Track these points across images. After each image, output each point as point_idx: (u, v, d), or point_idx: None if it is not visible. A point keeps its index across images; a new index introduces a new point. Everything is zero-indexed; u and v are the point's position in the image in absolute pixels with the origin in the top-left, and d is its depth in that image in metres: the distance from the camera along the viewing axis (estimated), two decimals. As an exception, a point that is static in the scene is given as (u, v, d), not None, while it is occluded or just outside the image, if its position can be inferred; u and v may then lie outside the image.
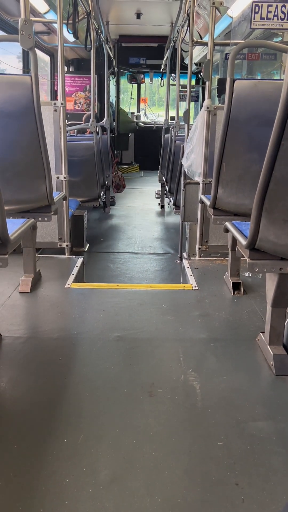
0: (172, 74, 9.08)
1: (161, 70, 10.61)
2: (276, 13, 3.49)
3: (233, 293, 3.04)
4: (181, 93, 7.79)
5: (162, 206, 8.00)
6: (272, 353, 2.17)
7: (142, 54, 10.91)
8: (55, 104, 3.68)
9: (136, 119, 12.67)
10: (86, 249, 5.10)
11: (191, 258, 3.90)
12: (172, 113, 8.69)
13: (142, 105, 13.29)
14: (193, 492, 1.47)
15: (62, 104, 3.68)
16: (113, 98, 11.03)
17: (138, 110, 13.16)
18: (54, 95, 8.54)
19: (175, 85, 7.05)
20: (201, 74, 9.42)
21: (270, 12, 3.49)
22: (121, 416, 1.82)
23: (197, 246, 3.98)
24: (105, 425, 1.77)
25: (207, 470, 1.56)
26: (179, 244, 4.89)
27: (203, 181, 3.82)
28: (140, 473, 1.54)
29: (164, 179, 7.42)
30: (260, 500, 1.45)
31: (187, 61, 4.74)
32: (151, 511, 1.40)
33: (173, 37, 7.56)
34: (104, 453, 1.62)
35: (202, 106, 3.77)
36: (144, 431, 1.74)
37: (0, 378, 2.08)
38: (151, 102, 14.35)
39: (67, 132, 4.38)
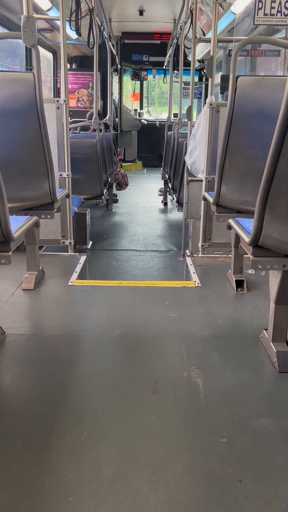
0: (175, 71, 9.07)
1: (164, 67, 10.59)
2: (279, 9, 3.48)
3: (236, 290, 3.03)
4: (184, 90, 7.77)
5: (165, 204, 7.99)
6: (275, 350, 2.17)
7: (145, 51, 10.89)
8: (58, 101, 3.67)
9: (139, 116, 12.65)
10: (89, 246, 5.11)
11: (194, 255, 3.90)
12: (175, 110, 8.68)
13: (134, 103, 13.19)
14: (196, 489, 1.47)
15: (65, 101, 3.67)
16: (116, 95, 11.02)
17: (141, 108, 13.14)
18: (57, 93, 8.54)
19: (178, 82, 7.04)
20: (204, 70, 9.40)
21: (274, 8, 3.48)
22: (124, 413, 1.83)
23: (200, 244, 3.98)
24: (108, 422, 1.77)
25: (210, 467, 1.56)
26: (182, 242, 4.90)
27: (206, 178, 3.81)
28: (143, 470, 1.54)
29: (167, 177, 7.42)
30: (263, 497, 1.45)
31: (190, 58, 4.72)
32: (154, 508, 1.40)
33: (176, 33, 7.54)
34: (107, 450, 1.62)
35: (205, 103, 3.76)
36: (147, 428, 1.74)
37: (4, 375, 2.09)
38: (150, 100, 14.03)
39: (70, 130, 4.38)
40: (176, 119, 6.84)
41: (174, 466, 1.56)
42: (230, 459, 1.59)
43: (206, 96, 9.70)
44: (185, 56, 7.24)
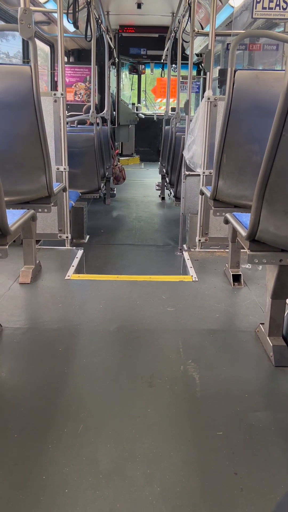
0: (173, 65, 9.03)
1: (162, 61, 10.54)
2: (278, 3, 3.47)
3: (233, 284, 3.04)
4: (182, 84, 7.74)
5: (163, 198, 7.98)
6: (271, 345, 2.18)
7: (143, 45, 10.82)
8: (55, 94, 3.65)
9: (137, 110, 12.61)
10: (86, 240, 5.10)
11: (191, 249, 3.90)
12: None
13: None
14: (192, 481, 1.48)
15: (62, 94, 3.66)
16: (113, 89, 10.97)
17: (139, 101, 13.09)
18: (54, 86, 8.49)
19: (176, 76, 7.02)
20: (202, 64, 9.36)
21: (272, 1, 3.47)
22: (121, 406, 1.83)
23: (197, 238, 3.98)
24: (105, 415, 1.78)
25: (206, 460, 1.57)
26: (180, 236, 4.89)
27: (203, 172, 3.80)
28: (139, 462, 1.55)
29: (164, 171, 7.40)
30: (259, 490, 1.46)
31: (188, 51, 4.70)
32: (150, 500, 1.41)
33: (174, 27, 7.50)
34: (103, 443, 1.63)
35: (203, 97, 3.75)
36: (144, 421, 1.75)
37: (0, 369, 2.09)
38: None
39: (67, 123, 4.36)
40: (174, 113, 6.82)
41: (170, 459, 1.57)
42: (225, 452, 1.60)
43: (204, 90, 9.63)
44: (183, 49, 7.20)
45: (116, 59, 10.65)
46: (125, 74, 12.08)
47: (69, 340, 2.34)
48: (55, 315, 2.61)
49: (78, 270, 3.36)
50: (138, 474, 1.50)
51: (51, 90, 8.50)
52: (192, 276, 3.21)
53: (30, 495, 1.42)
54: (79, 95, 9.54)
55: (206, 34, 4.01)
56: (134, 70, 12.36)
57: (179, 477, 1.49)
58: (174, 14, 7.82)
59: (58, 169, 3.77)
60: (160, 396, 1.90)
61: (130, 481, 1.48)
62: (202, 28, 7.30)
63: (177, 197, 5.29)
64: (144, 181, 9.78)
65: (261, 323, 2.37)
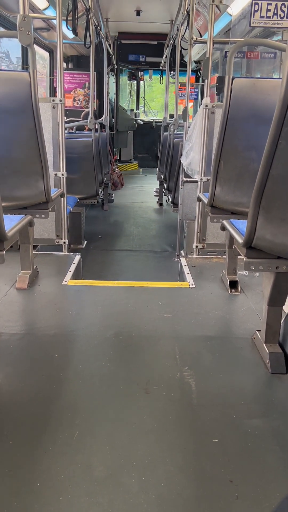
0: (172, 72, 9.07)
1: (161, 68, 10.60)
2: (275, 12, 3.49)
3: (230, 291, 3.04)
4: (180, 91, 7.79)
5: (161, 204, 8.00)
6: (268, 352, 2.18)
7: (142, 52, 10.89)
8: (53, 100, 3.67)
9: (135, 116, 12.67)
10: (84, 246, 5.10)
11: (189, 256, 3.90)
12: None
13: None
14: (187, 488, 1.48)
15: (60, 101, 3.67)
16: (112, 95, 11.01)
17: (137, 108, 13.15)
18: (53, 92, 8.52)
19: (174, 83, 7.06)
20: (201, 72, 9.41)
21: (270, 10, 3.49)
22: (116, 412, 1.83)
23: (194, 244, 3.98)
24: (101, 422, 1.77)
25: (201, 467, 1.57)
26: (177, 242, 4.90)
27: (201, 179, 3.82)
28: (134, 469, 1.54)
29: (162, 177, 7.42)
30: (254, 497, 1.45)
31: (186, 58, 4.73)
32: (145, 507, 1.41)
33: (173, 34, 7.55)
34: (99, 450, 1.63)
35: (201, 104, 3.77)
36: (140, 428, 1.74)
37: (-4, 374, 2.08)
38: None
39: (66, 129, 4.38)
40: (172, 120, 6.85)
41: (165, 466, 1.56)
42: (221, 459, 1.60)
43: (202, 97, 9.65)
44: (182, 57, 7.24)
45: (115, 66, 10.71)
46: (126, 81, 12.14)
47: (66, 346, 2.34)
48: (52, 321, 2.61)
49: (75, 276, 3.36)
50: (133, 481, 1.50)
51: (50, 96, 8.53)
52: (189, 282, 3.21)
53: (24, 502, 1.41)
54: (78, 101, 9.57)
55: (205, 42, 4.04)
56: (132, 76, 12.42)
57: (174, 485, 1.49)
58: (173, 22, 7.88)
59: (56, 174, 3.78)
60: (156, 402, 1.89)
61: (125, 488, 1.47)
62: (201, 36, 7.35)
63: (174, 203, 5.31)
64: (142, 187, 9.80)
65: (257, 330, 2.37)
